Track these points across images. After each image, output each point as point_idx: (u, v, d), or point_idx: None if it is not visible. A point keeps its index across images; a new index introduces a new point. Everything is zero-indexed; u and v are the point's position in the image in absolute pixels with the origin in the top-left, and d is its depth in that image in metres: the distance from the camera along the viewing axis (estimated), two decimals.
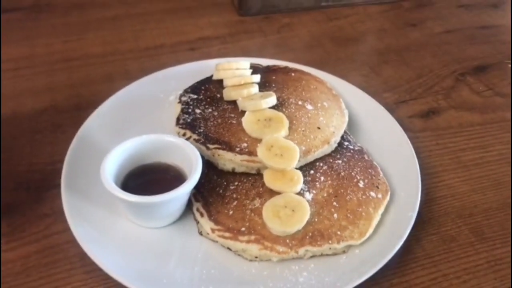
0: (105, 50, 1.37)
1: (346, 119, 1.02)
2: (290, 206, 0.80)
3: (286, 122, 0.92)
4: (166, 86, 1.15)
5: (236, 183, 0.88)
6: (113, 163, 0.83)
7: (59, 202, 0.87)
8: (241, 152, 0.88)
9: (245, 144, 0.89)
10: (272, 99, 0.96)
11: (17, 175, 0.97)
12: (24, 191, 0.94)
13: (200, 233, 0.83)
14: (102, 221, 0.84)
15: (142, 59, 1.33)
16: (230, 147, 0.89)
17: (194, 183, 0.80)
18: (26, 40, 1.38)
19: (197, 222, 0.85)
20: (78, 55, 1.34)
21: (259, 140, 0.89)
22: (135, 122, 1.04)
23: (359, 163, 0.93)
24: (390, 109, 1.14)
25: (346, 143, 0.98)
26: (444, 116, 1.20)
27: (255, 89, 1.00)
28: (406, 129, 1.06)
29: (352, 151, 0.97)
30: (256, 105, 0.94)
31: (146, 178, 0.87)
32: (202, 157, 0.87)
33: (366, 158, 0.96)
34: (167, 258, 0.79)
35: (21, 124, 1.10)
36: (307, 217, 0.79)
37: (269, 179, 0.85)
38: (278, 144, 0.87)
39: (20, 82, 1.23)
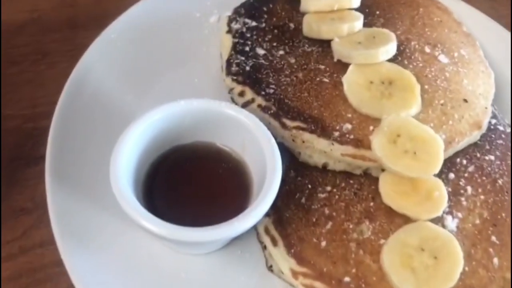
0: None
1: (493, 80, 0.65)
2: (430, 249, 0.48)
3: (417, 89, 0.56)
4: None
5: (328, 189, 0.54)
6: (131, 150, 0.50)
7: (43, 187, 0.54)
8: (342, 140, 0.53)
9: (349, 126, 0.54)
10: (392, 46, 0.58)
11: None
12: None
13: (270, 268, 0.52)
14: (110, 238, 0.52)
15: None
16: (323, 129, 0.54)
17: (266, 208, 0.46)
18: None
19: (264, 248, 0.53)
20: None
21: (373, 120, 0.54)
22: (160, 59, 0.70)
23: None
24: None
25: (493, 121, 0.63)
26: None
27: (359, 22, 0.61)
28: None
29: (503, 136, 0.62)
30: (370, 55, 0.56)
31: (185, 174, 0.53)
32: (274, 137, 0.52)
33: None
34: None
35: None
36: (459, 270, 0.47)
37: (389, 192, 0.51)
38: (409, 131, 0.52)
39: None
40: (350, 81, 0.56)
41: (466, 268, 0.50)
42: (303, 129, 0.54)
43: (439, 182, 0.52)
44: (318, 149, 0.54)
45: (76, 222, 0.53)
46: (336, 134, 0.54)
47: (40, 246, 0.55)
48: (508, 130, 0.63)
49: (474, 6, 0.82)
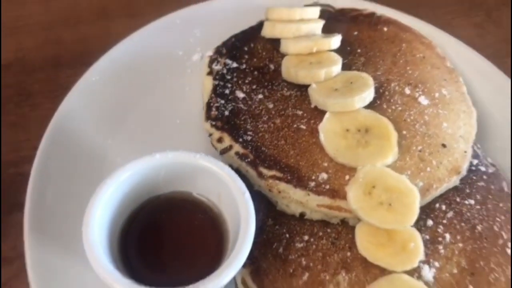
0: None
1: (475, 119, 0.64)
2: None
3: (394, 137, 0.55)
4: (187, 36, 0.78)
5: (306, 238, 0.54)
6: (104, 209, 0.50)
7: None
8: (318, 190, 0.53)
9: (325, 176, 0.54)
10: (369, 93, 0.58)
11: None
12: None
13: None
14: None
15: None
16: (299, 179, 0.54)
17: (241, 263, 0.46)
18: None
19: None
20: None
21: (348, 169, 0.53)
22: (142, 100, 0.70)
23: (501, 204, 0.59)
24: None
25: (474, 161, 0.62)
26: None
27: (337, 67, 0.61)
28: None
29: (485, 177, 0.61)
30: (346, 104, 0.56)
31: (161, 225, 0.53)
32: (251, 185, 0.52)
33: (506, 190, 0.61)
34: None
35: None
36: None
37: (364, 243, 0.51)
38: (384, 182, 0.52)
39: None
40: (326, 130, 0.55)
41: None
42: (279, 178, 0.54)
43: (415, 233, 0.51)
44: (295, 199, 0.53)
45: (54, 276, 0.53)
46: (312, 184, 0.53)
47: None
48: (490, 170, 0.63)
49: (461, 34, 0.81)
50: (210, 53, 0.70)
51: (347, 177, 0.53)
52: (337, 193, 0.53)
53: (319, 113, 0.58)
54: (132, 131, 0.66)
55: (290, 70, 0.62)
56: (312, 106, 0.59)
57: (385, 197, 0.51)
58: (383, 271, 0.51)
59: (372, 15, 0.77)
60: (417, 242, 0.51)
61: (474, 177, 0.61)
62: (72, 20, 0.84)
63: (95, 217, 0.47)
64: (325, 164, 0.54)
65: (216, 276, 0.45)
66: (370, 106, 0.59)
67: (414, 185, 0.53)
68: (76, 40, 0.82)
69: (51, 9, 0.85)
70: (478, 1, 0.95)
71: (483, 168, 0.62)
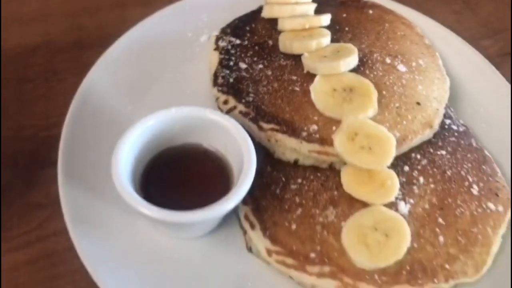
0: None
1: (448, 85, 0.73)
2: (382, 228, 0.56)
3: (374, 95, 0.64)
4: (195, 20, 0.87)
5: (299, 181, 0.63)
6: (130, 149, 0.58)
7: (56, 186, 0.63)
8: (309, 139, 0.62)
9: (315, 127, 0.63)
10: (353, 59, 0.67)
11: (3, 143, 0.73)
12: (11, 168, 0.71)
13: (249, 250, 0.60)
14: (114, 226, 0.61)
15: None
16: (293, 130, 0.63)
17: (244, 193, 0.55)
18: None
19: (244, 233, 0.61)
20: None
21: (335, 121, 0.63)
22: (156, 74, 0.79)
23: (469, 155, 0.67)
24: (493, 64, 0.84)
25: (447, 121, 0.71)
26: None
27: (326, 39, 0.71)
28: None
29: (456, 134, 0.70)
30: (333, 67, 0.65)
31: (176, 170, 0.63)
32: (252, 138, 0.61)
33: (475, 145, 0.70)
34: (202, 284, 0.58)
35: (6, 67, 0.83)
36: (406, 245, 0.56)
37: (349, 182, 0.60)
38: (365, 130, 0.61)
39: (4, 1, 0.93)
40: (317, 90, 0.65)
41: (415, 245, 0.58)
42: (276, 130, 0.63)
43: (392, 173, 0.60)
44: (289, 147, 0.62)
45: (85, 214, 0.61)
46: (304, 134, 0.62)
47: (54, 235, 0.63)
48: (461, 129, 0.72)
49: (440, 19, 0.91)
50: (216, 33, 0.80)
51: (334, 127, 0.62)
52: (325, 140, 0.62)
53: (311, 77, 0.67)
54: (149, 99, 0.74)
55: (286, 43, 0.71)
56: (305, 71, 0.68)
57: (366, 142, 0.60)
58: (364, 206, 0.60)
59: (360, 0, 0.87)
60: (394, 180, 0.60)
61: (447, 134, 0.70)
62: (92, 9, 0.94)
63: (122, 155, 0.56)
64: (315, 118, 0.63)
65: (223, 201, 0.54)
66: (354, 71, 0.68)
67: (392, 134, 0.62)
68: (96, 26, 0.91)
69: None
70: None
71: (454, 127, 0.71)
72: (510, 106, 0.74)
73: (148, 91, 0.76)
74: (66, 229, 0.60)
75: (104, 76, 0.76)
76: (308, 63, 0.67)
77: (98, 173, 0.63)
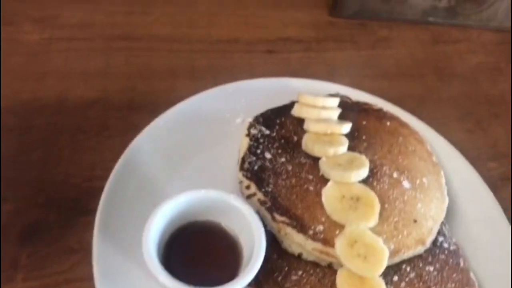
0: (172, 34, 1.18)
1: (446, 205, 0.82)
2: None
3: (377, 208, 0.73)
4: (234, 103, 0.97)
5: (300, 273, 0.71)
6: (160, 220, 0.68)
7: (89, 234, 0.73)
8: (314, 237, 0.71)
9: (321, 227, 0.72)
10: (364, 171, 0.77)
11: (51, 187, 0.83)
12: (55, 211, 0.81)
13: None
14: (136, 281, 0.69)
15: (212, 55, 1.15)
16: (302, 226, 0.72)
17: (250, 279, 0.64)
18: (86, 3, 1.20)
19: None
20: (140, 34, 1.16)
21: (340, 225, 0.71)
22: (194, 146, 0.89)
23: (454, 275, 0.75)
24: (494, 186, 0.92)
25: (440, 239, 0.79)
26: None
27: (343, 147, 0.81)
28: None
29: (446, 252, 0.78)
30: (345, 177, 0.74)
31: (196, 243, 0.72)
32: (264, 225, 0.70)
33: (462, 265, 0.77)
34: None
35: (67, 116, 0.95)
36: None
37: (343, 284, 0.68)
38: (363, 240, 0.69)
39: (72, 58, 1.07)
40: (328, 194, 0.74)
41: None
42: (287, 224, 0.72)
43: (382, 283, 0.68)
44: (296, 241, 0.71)
45: (112, 265, 0.69)
46: (311, 232, 0.71)
47: (81, 280, 0.72)
48: (452, 247, 0.79)
49: (452, 135, 0.98)
50: (250, 119, 0.90)
51: (337, 231, 0.71)
52: (328, 242, 0.70)
53: (325, 180, 0.76)
54: (182, 170, 0.83)
55: (308, 144, 0.81)
56: (320, 174, 0.78)
57: (363, 250, 0.68)
58: None
59: (380, 110, 0.97)
60: None
61: (437, 251, 0.77)
62: (147, 74, 1.06)
63: (153, 224, 0.65)
64: (323, 219, 0.72)
65: (229, 285, 0.63)
66: (364, 181, 0.77)
67: (387, 247, 0.70)
68: (148, 90, 1.02)
69: (131, 63, 1.08)
70: (471, 110, 1.14)
71: (446, 245, 0.79)
72: (500, 235, 0.82)
73: (184, 163, 0.84)
74: (92, 276, 0.69)
75: (149, 142, 0.85)
76: (324, 168, 0.77)
77: (131, 231, 0.70)
